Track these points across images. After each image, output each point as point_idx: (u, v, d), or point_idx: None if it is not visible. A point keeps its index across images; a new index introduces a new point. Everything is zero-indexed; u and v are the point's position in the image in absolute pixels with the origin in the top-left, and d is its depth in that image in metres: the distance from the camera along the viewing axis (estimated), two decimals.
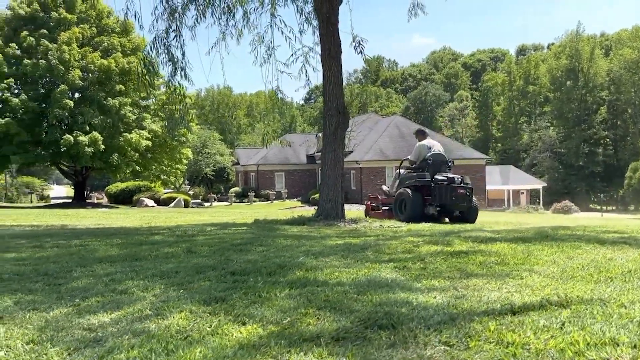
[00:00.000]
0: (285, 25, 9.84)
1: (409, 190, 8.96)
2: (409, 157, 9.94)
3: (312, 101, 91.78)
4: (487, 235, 4.92)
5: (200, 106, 73.29)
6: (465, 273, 3.02)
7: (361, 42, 8.91)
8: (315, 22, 9.93)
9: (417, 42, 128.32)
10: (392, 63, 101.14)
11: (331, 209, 8.63)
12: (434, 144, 9.70)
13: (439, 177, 9.01)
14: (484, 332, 1.85)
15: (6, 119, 24.33)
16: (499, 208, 37.48)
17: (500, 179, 45.23)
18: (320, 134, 41.98)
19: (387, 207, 9.98)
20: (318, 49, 10.13)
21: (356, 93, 77.26)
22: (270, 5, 10.00)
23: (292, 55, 10.28)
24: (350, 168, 32.22)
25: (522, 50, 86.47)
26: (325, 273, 3.07)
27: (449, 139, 43.37)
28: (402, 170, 10.13)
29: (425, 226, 7.58)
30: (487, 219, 10.31)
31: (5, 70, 24.96)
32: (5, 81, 24.95)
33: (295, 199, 37.19)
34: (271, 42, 10.13)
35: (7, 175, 59.50)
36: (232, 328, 1.97)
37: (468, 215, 9.13)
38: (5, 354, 1.71)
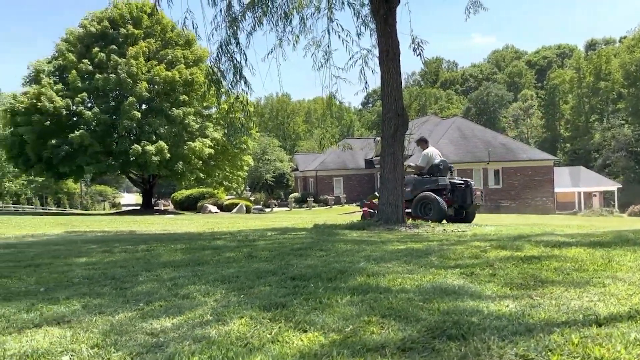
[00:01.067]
0: (342, 29, 9.79)
1: (432, 194, 9.77)
2: (410, 163, 10.99)
3: (370, 105, 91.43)
4: (560, 240, 4.62)
5: (260, 114, 74.79)
6: (539, 280, 2.81)
7: (420, 44, 8.68)
8: (372, 25, 9.82)
9: (477, 42, 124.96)
10: (452, 64, 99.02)
11: (391, 213, 8.44)
12: (437, 151, 10.67)
13: (456, 181, 10.16)
14: (567, 345, 1.68)
15: (80, 131, 25.80)
16: (569, 211, 35.62)
17: (570, 181, 43.01)
18: (378, 138, 41.65)
19: (408, 209, 10.45)
20: (376, 51, 10.02)
21: (415, 95, 76.22)
22: (327, 10, 9.99)
23: (350, 59, 10.20)
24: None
25: (591, 45, 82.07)
26: (387, 279, 2.95)
27: (512, 140, 41.82)
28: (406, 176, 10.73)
29: (490, 230, 7.27)
30: (556, 223, 9.77)
31: (79, 85, 26.48)
32: (79, 95, 26.46)
33: (354, 204, 37.04)
34: (328, 46, 10.11)
35: (82, 184, 63.19)
36: (293, 335, 1.90)
37: (469, 216, 10.27)
38: (70, 358, 1.73)
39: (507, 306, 2.23)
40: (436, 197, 9.67)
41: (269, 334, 1.92)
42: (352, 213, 25.93)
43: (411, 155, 31.27)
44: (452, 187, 10.00)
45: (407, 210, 10.23)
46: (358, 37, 10.13)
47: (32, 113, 25.67)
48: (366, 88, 10.60)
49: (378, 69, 9.21)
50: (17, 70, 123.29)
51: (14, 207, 52.15)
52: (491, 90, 76.24)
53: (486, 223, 9.74)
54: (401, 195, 8.59)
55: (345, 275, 3.13)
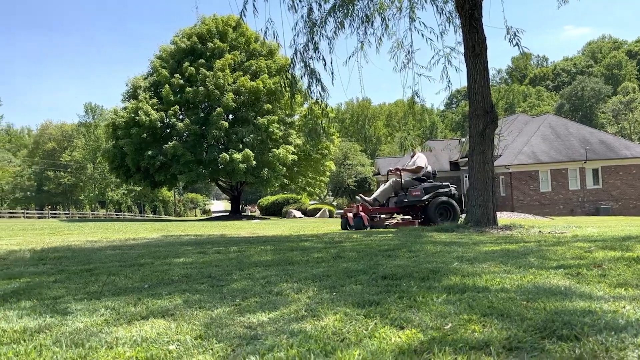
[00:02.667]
0: (425, 27, 9.63)
1: (450, 199, 10.19)
2: (412, 166, 10.73)
3: (454, 106, 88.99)
4: None
5: (341, 119, 75.29)
6: None
7: (517, 33, 8.27)
8: (457, 21, 9.55)
9: (569, 34, 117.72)
10: (542, 59, 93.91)
11: (482, 215, 8.12)
12: None
13: (452, 186, 10.65)
14: None
15: (173, 141, 27.38)
16: None
17: None
18: (463, 139, 40.37)
19: (408, 216, 10.53)
20: (460, 48, 9.72)
21: (502, 93, 73.10)
22: (408, 9, 9.86)
23: (432, 57, 10.00)
24: (498, 173, 30.36)
25: None
26: (484, 279, 2.82)
27: (613, 136, 38.76)
28: (400, 179, 10.56)
29: (593, 231, 6.77)
30: None
31: (172, 98, 28.13)
32: (172, 108, 28.11)
33: None
34: (411, 46, 9.97)
35: (176, 193, 67.01)
36: (390, 332, 1.86)
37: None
38: (175, 348, 1.80)
39: (624, 307, 2.04)
40: (454, 202, 10.24)
41: (365, 330, 1.89)
42: None
43: (499, 156, 30.00)
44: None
45: (406, 217, 10.53)
46: (441, 35, 9.90)
47: (131, 126, 27.60)
48: (449, 87, 10.33)
49: (462, 67, 8.94)
50: (117, 87, 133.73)
51: (116, 215, 56.36)
52: (586, 85, 71.36)
53: (585, 225, 9.10)
54: (492, 195, 8.23)
55: (439, 275, 3.03)
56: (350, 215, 10.11)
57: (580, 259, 3.53)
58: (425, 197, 10.13)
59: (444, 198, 10.22)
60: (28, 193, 63.84)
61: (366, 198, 10.44)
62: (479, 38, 8.27)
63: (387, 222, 10.29)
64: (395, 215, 10.84)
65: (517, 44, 8.52)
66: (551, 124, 33.92)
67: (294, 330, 1.95)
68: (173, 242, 7.49)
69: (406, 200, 10.14)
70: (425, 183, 10.48)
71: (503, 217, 13.97)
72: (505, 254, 4.01)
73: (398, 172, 10.72)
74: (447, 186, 10.50)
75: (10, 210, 51.43)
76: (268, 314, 2.26)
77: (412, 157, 11.13)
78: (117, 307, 2.54)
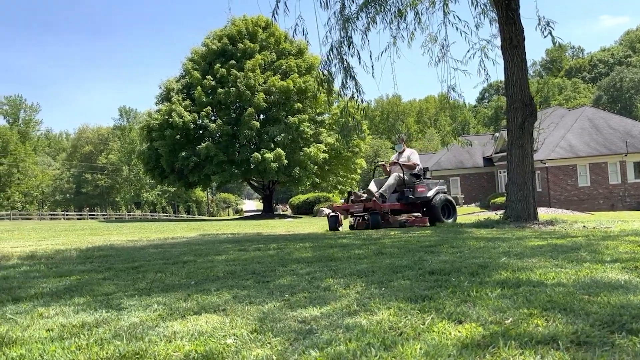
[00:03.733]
0: (459, 20, 9.47)
1: (446, 196, 10.02)
2: (408, 162, 10.15)
3: (486, 101, 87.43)
4: None
5: (371, 117, 74.93)
6: None
7: (550, 24, 8.02)
8: (492, 13, 9.36)
9: (606, 24, 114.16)
10: (577, 50, 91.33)
11: (522, 210, 7.93)
12: None
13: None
14: None
15: (206, 142, 27.75)
16: None
17: None
18: (497, 134, 39.57)
19: (417, 213, 9.85)
20: (496, 41, 9.53)
21: (541, 85, 71.33)
22: (442, 3, 9.72)
23: (468, 51, 9.84)
24: (535, 168, 29.60)
25: None
26: (538, 273, 2.74)
27: None
28: (402, 175, 9.95)
29: None
30: None
31: (204, 99, 28.51)
32: (204, 109, 28.50)
33: (472, 204, 35.55)
34: (445, 39, 9.85)
35: (209, 193, 68.01)
36: (448, 326, 1.82)
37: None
38: (233, 341, 1.80)
39: None
40: (453, 200, 10.21)
41: (422, 324, 1.86)
42: (471, 214, 24.92)
43: (535, 151, 29.26)
44: None
45: (415, 214, 9.84)
46: (476, 27, 9.74)
47: (165, 128, 28.11)
48: (487, 80, 10.13)
49: (499, 60, 8.75)
50: (149, 90, 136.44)
51: (151, 215, 57.56)
52: (625, 75, 69.04)
53: (631, 220, 8.79)
54: (532, 190, 8.04)
55: (488, 270, 2.96)
56: (345, 208, 9.79)
57: (634, 253, 3.40)
58: (430, 194, 9.68)
59: (447, 196, 10.01)
60: (67, 195, 65.84)
61: (374, 192, 9.45)
62: (517, 29, 8.08)
63: (402, 220, 9.58)
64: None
65: (549, 33, 8.22)
66: (589, 116, 32.93)
67: (349, 324, 1.93)
68: (211, 240, 7.58)
69: (412, 196, 9.47)
70: (425, 180, 10.03)
71: (541, 213, 13.63)
72: (554, 248, 3.89)
73: (399, 167, 9.98)
74: (443, 184, 10.32)
75: (51, 212, 53.15)
76: (319, 308, 2.25)
77: (401, 152, 10.41)
78: (169, 303, 2.57)
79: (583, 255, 3.45)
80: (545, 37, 8.25)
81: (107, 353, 1.74)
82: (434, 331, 1.78)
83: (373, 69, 9.20)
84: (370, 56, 9.35)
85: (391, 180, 9.79)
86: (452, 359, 1.51)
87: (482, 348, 1.56)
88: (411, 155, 10.38)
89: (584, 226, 7.11)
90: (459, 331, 1.75)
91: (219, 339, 1.83)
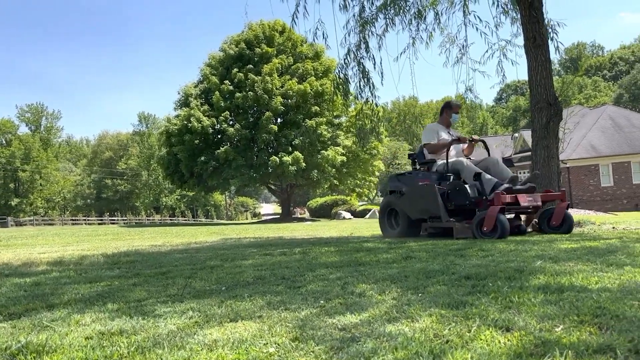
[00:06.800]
0: (480, 20, 9.39)
1: None
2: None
3: (504, 101, 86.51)
4: None
5: (388, 119, 74.68)
6: None
7: (555, 27, 7.98)
8: (513, 13, 9.26)
9: (626, 21, 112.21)
10: (597, 48, 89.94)
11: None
12: None
13: None
14: None
15: (225, 147, 27.97)
16: None
17: None
18: (516, 134, 39.10)
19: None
20: (516, 40, 9.44)
21: (566, 85, 70.34)
22: (462, 3, 9.63)
23: (486, 51, 9.75)
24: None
25: None
26: (579, 278, 2.66)
27: None
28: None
29: None
30: None
31: (222, 104, 28.74)
32: (222, 114, 28.71)
33: None
34: (465, 40, 9.76)
35: (227, 197, 68.43)
36: (495, 334, 1.77)
37: None
38: (275, 350, 1.77)
39: None
40: None
41: (468, 332, 1.81)
42: None
43: (562, 151, 28.84)
44: None
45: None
46: (496, 27, 9.66)
47: (184, 133, 28.38)
48: (504, 80, 10.08)
49: (519, 60, 8.67)
50: (169, 96, 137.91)
51: (170, 220, 58.09)
52: None
53: None
54: (559, 191, 7.88)
55: (525, 275, 2.89)
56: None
57: None
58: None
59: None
60: (88, 200, 66.83)
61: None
62: (540, 29, 7.96)
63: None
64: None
65: (552, 38, 8.19)
66: (611, 115, 32.38)
67: (392, 332, 1.89)
68: (235, 244, 7.59)
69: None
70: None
71: None
72: (589, 251, 3.80)
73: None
74: None
75: (73, 217, 53.97)
76: (358, 315, 2.21)
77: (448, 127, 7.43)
78: (203, 310, 2.55)
79: (621, 258, 3.35)
80: (550, 40, 8.15)
81: None
82: (481, 339, 1.72)
83: (382, 76, 9.21)
84: (381, 62, 9.31)
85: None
86: None
87: (536, 357, 1.51)
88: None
89: (613, 227, 6.95)
90: (507, 339, 1.70)
91: (261, 348, 1.80)
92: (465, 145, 7.27)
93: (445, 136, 7.04)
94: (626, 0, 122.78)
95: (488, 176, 6.25)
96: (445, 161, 6.67)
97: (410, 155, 7.61)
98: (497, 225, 5.58)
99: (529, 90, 8.36)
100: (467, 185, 6.17)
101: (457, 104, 7.50)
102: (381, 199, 52.21)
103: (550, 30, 8.12)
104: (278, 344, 1.84)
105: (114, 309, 2.76)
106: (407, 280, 3.04)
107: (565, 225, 6.13)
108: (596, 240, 4.66)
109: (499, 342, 1.69)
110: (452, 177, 6.53)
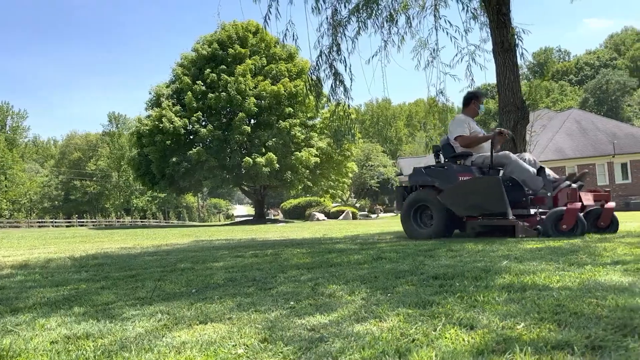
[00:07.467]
0: (450, 25, 9.54)
1: None
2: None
3: None
4: None
5: (361, 121, 75.13)
6: None
7: (519, 35, 8.18)
8: (482, 18, 9.45)
9: (591, 27, 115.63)
10: (564, 53, 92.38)
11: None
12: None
13: None
14: None
15: (197, 148, 27.66)
16: None
17: None
18: None
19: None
20: (485, 45, 9.64)
21: (529, 89, 72.06)
22: (432, 8, 9.78)
23: (456, 55, 9.92)
24: None
25: None
26: (541, 277, 2.75)
27: None
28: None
29: (633, 226, 6.60)
30: None
31: (194, 105, 28.42)
32: (194, 115, 28.40)
33: None
34: (436, 44, 9.89)
35: (199, 198, 67.72)
36: (460, 332, 1.81)
37: None
38: (244, 351, 1.78)
39: None
40: None
41: (434, 331, 1.85)
42: None
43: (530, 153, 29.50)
44: None
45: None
46: (466, 32, 9.82)
47: (155, 134, 27.97)
48: (472, 84, 10.25)
49: (487, 65, 8.87)
50: (140, 97, 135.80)
51: (141, 222, 57.14)
52: (611, 78, 69.96)
53: (622, 221, 8.86)
54: None
55: (491, 274, 2.97)
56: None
57: (634, 255, 3.43)
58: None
59: None
60: (56, 202, 65.18)
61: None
62: (508, 33, 8.15)
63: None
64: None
65: (516, 44, 8.30)
66: (576, 118, 33.33)
67: (360, 332, 1.92)
68: (206, 246, 7.54)
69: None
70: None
71: None
72: (553, 251, 3.91)
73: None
74: None
75: (40, 220, 52.57)
76: (327, 316, 2.24)
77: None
78: (172, 312, 2.54)
79: (583, 257, 3.47)
80: (514, 47, 8.29)
81: None
82: (446, 337, 1.77)
83: (351, 78, 9.23)
84: (350, 67, 9.37)
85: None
86: None
87: (498, 354, 1.56)
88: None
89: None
90: (472, 337, 1.75)
91: (229, 349, 1.81)
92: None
93: (477, 128, 6.74)
94: (591, 7, 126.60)
95: (549, 171, 6.11)
96: (483, 154, 6.32)
97: (435, 148, 7.13)
98: (577, 223, 5.41)
99: (497, 93, 8.55)
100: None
101: (484, 94, 7.25)
102: (354, 200, 52.43)
103: (516, 36, 8.32)
104: (247, 345, 1.84)
105: (80, 312, 2.72)
106: (377, 281, 3.08)
107: (613, 227, 5.81)
108: (561, 240, 4.80)
109: (463, 340, 1.73)
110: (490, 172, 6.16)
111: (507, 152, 6.36)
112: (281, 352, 1.74)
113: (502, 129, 6.53)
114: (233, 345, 1.85)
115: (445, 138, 6.90)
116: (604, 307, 1.97)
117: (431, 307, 2.22)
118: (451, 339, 1.74)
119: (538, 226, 5.59)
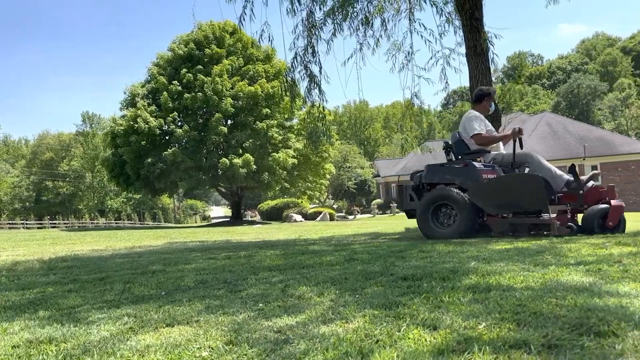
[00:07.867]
0: (425, 28, 9.64)
1: None
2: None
3: (451, 106, 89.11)
4: None
5: (339, 122, 75.36)
6: None
7: (491, 40, 8.33)
8: (457, 22, 9.58)
9: (564, 32, 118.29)
10: (537, 57, 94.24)
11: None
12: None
13: None
14: None
15: (173, 148, 27.36)
16: None
17: None
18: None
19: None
20: (459, 49, 9.76)
21: (506, 91, 73.24)
22: (407, 11, 9.88)
23: (431, 58, 10.02)
24: None
25: None
26: (506, 277, 2.80)
27: (611, 133, 38.84)
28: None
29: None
30: None
31: (170, 105, 28.12)
32: (170, 115, 28.09)
33: None
34: (411, 47, 9.99)
35: (175, 200, 66.94)
36: (423, 332, 1.84)
37: None
38: (208, 354, 1.78)
39: None
40: None
41: (398, 331, 1.88)
42: None
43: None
44: None
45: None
46: (440, 36, 9.92)
47: (130, 134, 27.57)
48: (447, 88, 10.37)
49: (461, 68, 8.97)
50: (114, 96, 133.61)
51: (116, 223, 56.18)
52: (582, 82, 71.61)
53: None
54: None
55: (458, 275, 3.02)
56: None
57: (597, 256, 3.52)
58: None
59: None
60: (27, 204, 63.62)
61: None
62: (480, 37, 8.29)
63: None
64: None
65: (487, 49, 8.42)
66: (549, 122, 34.03)
67: (325, 333, 1.93)
68: (180, 248, 7.47)
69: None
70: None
71: None
72: (520, 252, 4.00)
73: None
74: None
75: (10, 222, 51.25)
76: (294, 317, 2.25)
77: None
78: (139, 315, 2.52)
79: (548, 258, 3.55)
80: (486, 51, 8.42)
81: None
82: (409, 338, 1.80)
83: (326, 79, 9.27)
84: (320, 71, 9.41)
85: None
86: None
87: (457, 354, 1.59)
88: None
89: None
90: (434, 337, 1.78)
91: (194, 352, 1.80)
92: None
93: (490, 126, 6.66)
94: (564, 12, 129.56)
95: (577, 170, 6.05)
96: (502, 152, 6.29)
97: (445, 144, 6.91)
98: (620, 220, 5.41)
99: (470, 96, 8.69)
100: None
101: (495, 91, 7.25)
102: (332, 201, 52.52)
103: (488, 41, 8.46)
104: (212, 348, 1.84)
105: (45, 316, 2.68)
106: (347, 282, 3.10)
107: (621, 226, 5.62)
108: (529, 241, 4.90)
109: (425, 340, 1.76)
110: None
111: (529, 151, 6.31)
112: (245, 355, 1.75)
113: (521, 127, 6.33)
114: (198, 348, 1.85)
115: (456, 134, 6.72)
116: (563, 307, 2.03)
117: (397, 308, 2.25)
118: (414, 340, 1.77)
119: (570, 224, 5.55)
